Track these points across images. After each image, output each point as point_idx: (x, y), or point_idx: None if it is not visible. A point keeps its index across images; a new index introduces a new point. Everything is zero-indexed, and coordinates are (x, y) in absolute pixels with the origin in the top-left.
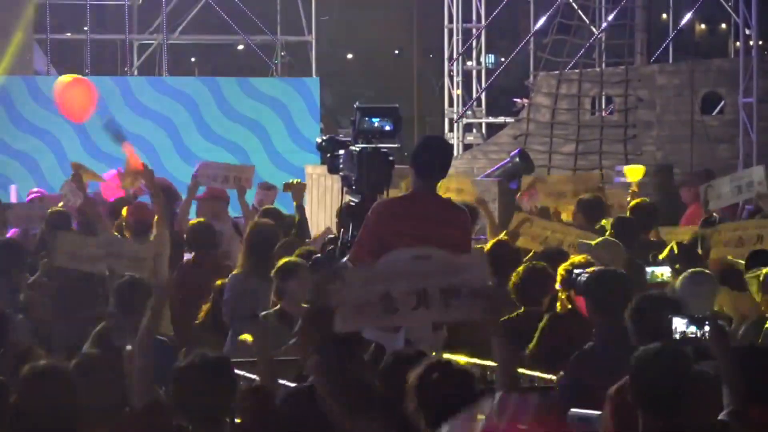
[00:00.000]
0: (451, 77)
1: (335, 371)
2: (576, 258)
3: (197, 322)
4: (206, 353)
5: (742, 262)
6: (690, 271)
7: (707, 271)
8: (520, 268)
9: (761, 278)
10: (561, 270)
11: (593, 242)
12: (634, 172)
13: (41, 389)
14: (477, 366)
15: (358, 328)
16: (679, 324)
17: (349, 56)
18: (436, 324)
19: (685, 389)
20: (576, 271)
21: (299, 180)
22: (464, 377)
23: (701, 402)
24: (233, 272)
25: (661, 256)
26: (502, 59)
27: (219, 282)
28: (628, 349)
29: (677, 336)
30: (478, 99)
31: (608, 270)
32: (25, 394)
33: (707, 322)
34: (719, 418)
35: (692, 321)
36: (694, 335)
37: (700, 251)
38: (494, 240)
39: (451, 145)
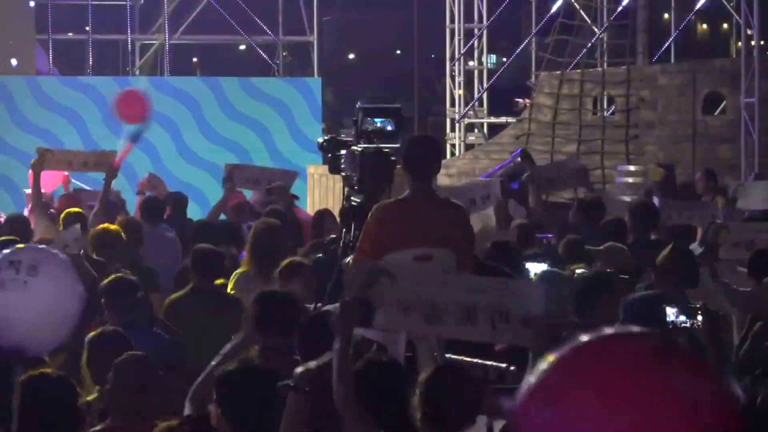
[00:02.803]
0: (452, 77)
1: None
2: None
3: None
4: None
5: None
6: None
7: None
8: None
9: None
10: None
11: (601, 247)
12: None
13: (42, 394)
14: (478, 365)
15: (397, 329)
16: (670, 313)
17: (351, 56)
18: None
19: None
20: (578, 271)
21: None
22: (469, 381)
23: None
24: (238, 271)
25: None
26: (504, 59)
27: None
28: None
29: (669, 326)
30: (480, 99)
31: (602, 272)
32: (26, 399)
33: (699, 312)
34: None
35: (684, 311)
36: (685, 324)
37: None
38: None
39: (439, 141)
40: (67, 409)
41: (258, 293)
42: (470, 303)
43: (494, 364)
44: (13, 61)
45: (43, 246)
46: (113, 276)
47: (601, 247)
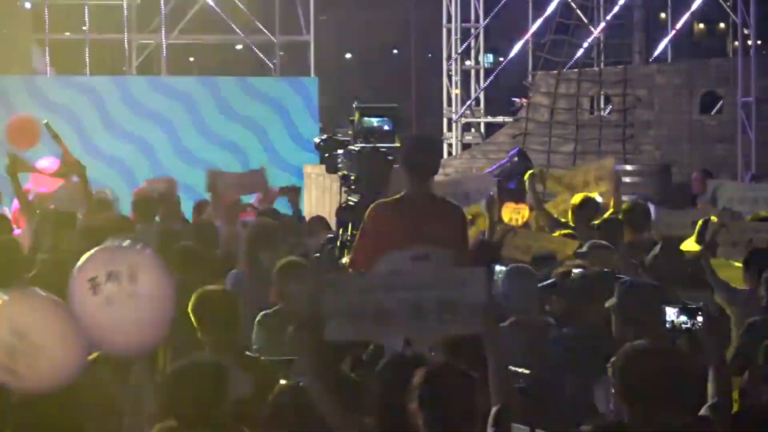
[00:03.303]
0: (449, 77)
1: (325, 371)
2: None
3: None
4: None
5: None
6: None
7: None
8: None
9: None
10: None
11: (585, 247)
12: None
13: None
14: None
15: (350, 339)
16: (670, 313)
17: (348, 56)
18: None
19: (673, 387)
20: (575, 271)
21: (294, 184)
22: (465, 379)
23: (688, 399)
24: (233, 270)
25: None
26: (501, 59)
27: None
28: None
29: (668, 326)
30: (477, 98)
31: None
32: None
33: (700, 313)
34: (701, 413)
35: (684, 311)
36: (685, 325)
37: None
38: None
39: (441, 142)
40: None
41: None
42: (415, 300)
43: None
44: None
45: (130, 243)
46: None
47: (585, 247)
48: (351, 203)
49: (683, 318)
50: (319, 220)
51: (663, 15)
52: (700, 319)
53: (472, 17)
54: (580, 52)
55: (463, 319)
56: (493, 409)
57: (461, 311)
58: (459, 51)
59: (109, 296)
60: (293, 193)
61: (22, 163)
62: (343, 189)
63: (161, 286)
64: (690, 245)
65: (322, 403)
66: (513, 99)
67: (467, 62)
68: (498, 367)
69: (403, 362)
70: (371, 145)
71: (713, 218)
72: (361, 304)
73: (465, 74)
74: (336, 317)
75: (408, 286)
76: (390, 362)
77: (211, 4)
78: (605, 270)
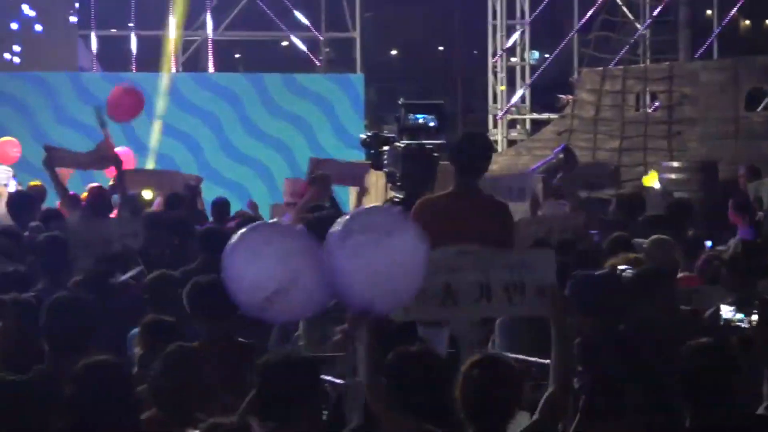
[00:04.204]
0: (495, 73)
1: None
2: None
3: None
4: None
5: None
6: None
7: None
8: None
9: None
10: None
11: (647, 241)
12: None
13: (96, 383)
14: (520, 361)
15: (416, 319)
16: (725, 312)
17: (394, 52)
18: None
19: (732, 384)
20: (620, 267)
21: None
22: (508, 373)
23: (745, 396)
24: None
25: None
26: (546, 55)
27: None
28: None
29: (722, 324)
30: (522, 95)
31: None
32: (80, 388)
33: (755, 311)
34: (758, 412)
35: (740, 309)
36: (740, 323)
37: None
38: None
39: (491, 141)
40: (122, 397)
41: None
42: (483, 280)
43: (537, 360)
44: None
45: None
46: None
47: (648, 241)
48: (396, 200)
49: (740, 315)
50: None
51: (709, 12)
52: (755, 317)
53: (518, 14)
54: (626, 48)
55: (531, 300)
56: (549, 390)
57: (529, 293)
58: (504, 48)
59: (358, 248)
60: (322, 182)
61: (58, 156)
62: (389, 185)
63: (414, 248)
64: None
65: (378, 400)
66: (558, 96)
67: (512, 59)
68: (562, 350)
69: (409, 356)
70: (417, 141)
71: None
72: (427, 284)
73: (510, 71)
74: None
75: (475, 267)
76: (397, 357)
77: (257, 0)
78: (661, 267)
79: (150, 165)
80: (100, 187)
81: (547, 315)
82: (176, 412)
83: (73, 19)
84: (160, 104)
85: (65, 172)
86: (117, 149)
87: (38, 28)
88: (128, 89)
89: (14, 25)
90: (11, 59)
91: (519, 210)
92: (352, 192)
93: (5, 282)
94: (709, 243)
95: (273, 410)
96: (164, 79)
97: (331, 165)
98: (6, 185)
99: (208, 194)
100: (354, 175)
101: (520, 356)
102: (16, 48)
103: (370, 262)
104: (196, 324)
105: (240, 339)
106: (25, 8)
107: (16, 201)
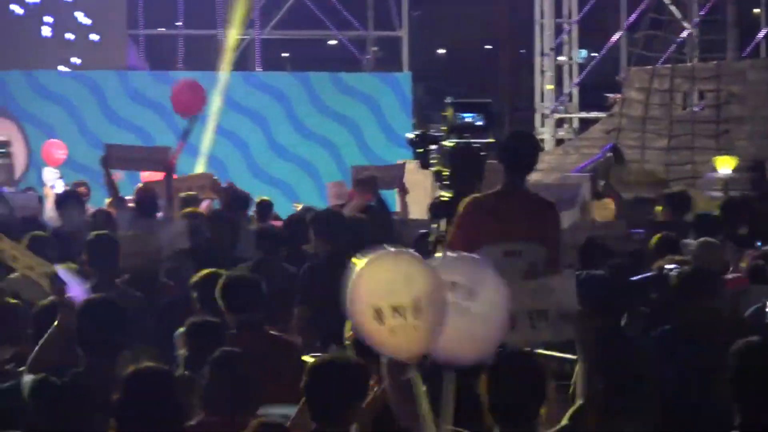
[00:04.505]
0: (542, 72)
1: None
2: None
3: None
4: None
5: None
6: None
7: None
8: None
9: None
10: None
11: (694, 243)
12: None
13: (142, 389)
14: (555, 358)
15: None
16: None
17: (440, 51)
18: None
19: None
20: (667, 267)
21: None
22: (534, 371)
23: None
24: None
25: None
26: (594, 54)
27: None
28: None
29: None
30: (570, 94)
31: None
32: (128, 393)
33: None
34: None
35: None
36: None
37: None
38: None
39: (539, 140)
40: (168, 404)
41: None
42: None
43: (569, 356)
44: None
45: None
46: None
47: (696, 243)
48: (444, 199)
49: None
50: None
51: (756, 10)
52: None
53: (565, 13)
54: (673, 47)
55: (555, 325)
56: (578, 403)
57: (552, 318)
58: (552, 46)
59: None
60: (369, 185)
61: (117, 157)
62: (437, 184)
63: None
64: None
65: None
66: (606, 95)
67: (560, 58)
68: (587, 369)
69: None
70: (464, 140)
71: None
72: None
73: (557, 70)
74: None
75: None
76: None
77: None
78: (710, 268)
79: (200, 166)
80: (147, 188)
81: (572, 338)
82: (226, 417)
83: (122, 19)
84: (216, 105)
85: (116, 175)
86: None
87: (94, 37)
88: (195, 86)
89: (70, 35)
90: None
91: (567, 216)
92: (397, 194)
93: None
94: (759, 243)
95: (321, 411)
96: (222, 79)
97: (371, 171)
98: (53, 187)
99: (256, 192)
100: (392, 178)
101: (555, 353)
102: (76, 60)
103: (454, 324)
104: (228, 319)
105: (272, 332)
106: (80, 16)
107: (64, 201)
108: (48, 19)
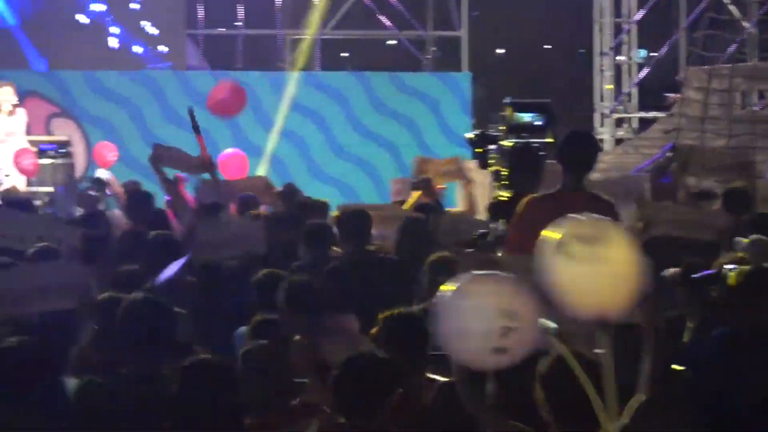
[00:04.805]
0: (601, 72)
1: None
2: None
3: None
4: None
5: None
6: None
7: None
8: None
9: None
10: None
11: (746, 240)
12: None
13: (201, 382)
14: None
15: None
16: None
17: (500, 51)
18: None
19: None
20: (726, 266)
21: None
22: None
23: None
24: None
25: None
26: (653, 54)
27: None
28: None
29: None
30: (629, 94)
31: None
32: (186, 386)
33: None
34: None
35: None
36: None
37: None
38: None
39: (597, 139)
40: (227, 397)
41: None
42: None
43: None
44: (194, 57)
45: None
46: None
47: (748, 241)
48: (503, 198)
49: None
50: None
51: None
52: None
53: (624, 12)
54: (733, 47)
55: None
56: (638, 398)
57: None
58: (611, 46)
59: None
60: (425, 187)
61: (166, 156)
62: (495, 184)
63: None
64: None
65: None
66: (666, 94)
67: (619, 57)
68: (653, 357)
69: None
70: (523, 140)
71: None
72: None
73: (617, 69)
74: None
75: None
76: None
77: None
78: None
79: (262, 168)
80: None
81: (639, 322)
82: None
83: (181, 19)
84: (283, 108)
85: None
86: (228, 151)
87: (163, 48)
88: (235, 87)
89: (138, 48)
90: None
91: (625, 212)
92: (459, 186)
93: (118, 282)
94: None
95: (350, 406)
96: (292, 80)
97: (435, 164)
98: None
99: (316, 193)
100: (454, 171)
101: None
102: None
103: (588, 269)
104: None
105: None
106: (147, 25)
107: (133, 201)
108: (115, 30)
